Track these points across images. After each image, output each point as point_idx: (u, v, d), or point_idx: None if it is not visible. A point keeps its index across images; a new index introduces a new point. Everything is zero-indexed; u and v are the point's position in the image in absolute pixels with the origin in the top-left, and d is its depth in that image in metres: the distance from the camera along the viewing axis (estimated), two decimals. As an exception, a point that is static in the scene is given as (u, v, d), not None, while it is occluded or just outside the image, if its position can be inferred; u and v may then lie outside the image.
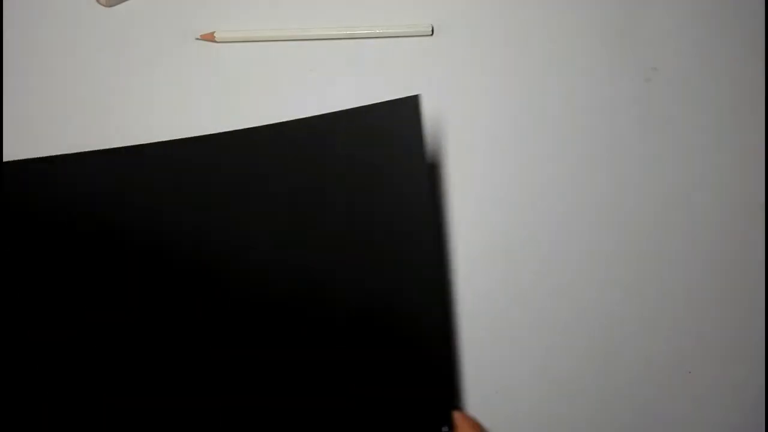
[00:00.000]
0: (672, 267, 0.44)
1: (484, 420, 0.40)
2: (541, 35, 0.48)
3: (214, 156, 0.42)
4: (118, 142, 0.47)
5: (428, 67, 0.48)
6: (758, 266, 0.44)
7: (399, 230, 0.40)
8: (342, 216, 0.40)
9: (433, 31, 0.49)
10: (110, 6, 0.50)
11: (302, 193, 0.41)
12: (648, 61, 0.47)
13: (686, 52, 0.48)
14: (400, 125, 0.41)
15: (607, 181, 0.45)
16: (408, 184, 0.40)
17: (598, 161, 0.46)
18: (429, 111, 0.47)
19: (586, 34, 0.48)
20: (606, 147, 0.46)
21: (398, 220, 0.40)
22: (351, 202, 0.41)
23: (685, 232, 0.44)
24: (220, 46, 0.49)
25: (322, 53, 0.48)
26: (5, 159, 0.46)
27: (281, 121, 0.42)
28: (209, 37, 0.49)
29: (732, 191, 0.45)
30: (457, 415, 0.35)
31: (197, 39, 0.49)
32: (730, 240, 0.44)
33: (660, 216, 0.45)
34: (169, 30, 0.49)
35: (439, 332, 0.38)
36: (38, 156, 0.44)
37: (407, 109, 0.41)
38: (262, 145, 0.42)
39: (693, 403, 0.41)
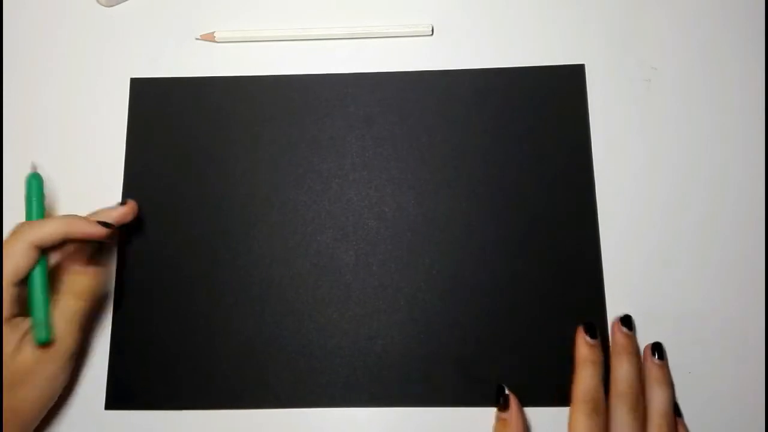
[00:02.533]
0: (671, 266, 0.44)
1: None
2: (540, 36, 0.48)
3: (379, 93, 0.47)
4: (118, 142, 0.47)
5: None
6: (758, 266, 0.44)
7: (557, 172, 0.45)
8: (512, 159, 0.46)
9: (433, 31, 0.49)
10: (110, 6, 0.50)
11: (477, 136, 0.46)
12: (648, 61, 0.47)
13: (686, 52, 0.48)
14: (564, 89, 0.47)
15: (608, 180, 0.45)
16: (571, 143, 0.46)
17: (598, 161, 0.46)
18: (429, 111, 0.47)
19: (586, 35, 0.48)
20: (606, 147, 0.46)
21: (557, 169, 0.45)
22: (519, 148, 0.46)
23: (685, 232, 0.44)
24: (220, 46, 0.49)
25: (322, 53, 0.49)
26: (5, 159, 0.46)
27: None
28: (209, 37, 0.49)
29: (732, 191, 0.45)
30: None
31: (197, 39, 0.49)
32: (729, 239, 0.44)
33: (659, 215, 0.45)
34: (169, 30, 0.49)
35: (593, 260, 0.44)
36: (39, 154, 0.44)
37: (572, 75, 0.47)
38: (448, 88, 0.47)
39: (693, 403, 0.41)
